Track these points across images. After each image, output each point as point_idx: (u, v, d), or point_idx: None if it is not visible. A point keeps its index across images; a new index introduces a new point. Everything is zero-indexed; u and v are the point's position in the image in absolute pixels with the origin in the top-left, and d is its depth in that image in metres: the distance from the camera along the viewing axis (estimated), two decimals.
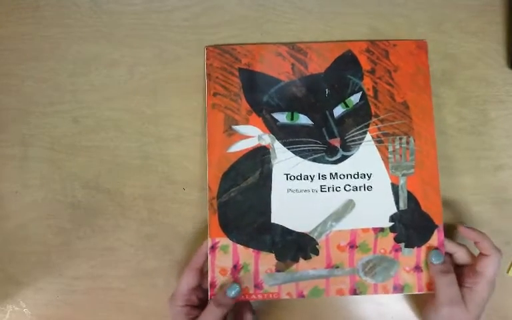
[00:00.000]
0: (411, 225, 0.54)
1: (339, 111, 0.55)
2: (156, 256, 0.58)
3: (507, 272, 0.58)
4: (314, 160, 0.55)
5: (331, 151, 0.55)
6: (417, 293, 0.54)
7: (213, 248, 0.54)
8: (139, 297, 0.58)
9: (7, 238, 0.58)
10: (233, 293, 0.51)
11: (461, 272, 0.53)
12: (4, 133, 0.58)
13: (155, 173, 0.58)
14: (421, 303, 0.59)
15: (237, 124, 0.55)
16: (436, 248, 0.54)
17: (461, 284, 0.52)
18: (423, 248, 0.54)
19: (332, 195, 0.54)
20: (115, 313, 0.58)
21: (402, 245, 0.54)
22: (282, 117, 0.55)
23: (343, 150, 0.55)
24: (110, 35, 0.58)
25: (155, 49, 0.58)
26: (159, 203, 0.58)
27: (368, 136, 0.55)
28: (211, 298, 0.53)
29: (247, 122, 0.55)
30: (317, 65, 0.56)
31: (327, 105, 0.55)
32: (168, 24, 0.58)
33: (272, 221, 0.54)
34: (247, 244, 0.54)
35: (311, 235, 0.54)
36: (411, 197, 0.55)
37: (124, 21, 0.58)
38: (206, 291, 0.54)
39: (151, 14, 0.58)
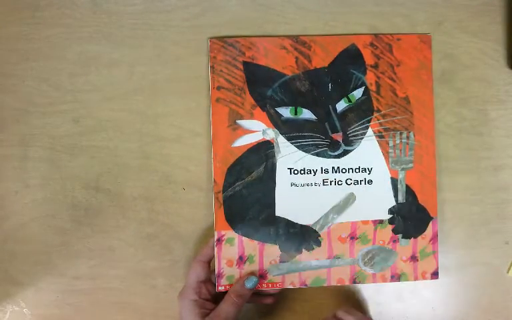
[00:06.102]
0: (409, 217, 0.55)
1: (341, 105, 0.54)
2: (156, 256, 0.57)
3: (507, 272, 0.57)
4: (317, 154, 0.54)
5: (334, 145, 0.54)
6: (412, 281, 0.55)
7: (219, 241, 0.54)
8: (139, 297, 0.57)
9: (7, 238, 0.57)
10: (251, 284, 0.52)
11: None
12: (4, 133, 0.56)
13: (154, 173, 0.56)
14: (421, 303, 0.58)
15: (241, 118, 0.54)
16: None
17: None
18: (419, 239, 0.55)
19: (334, 189, 0.55)
20: (115, 313, 0.57)
21: (399, 236, 0.55)
22: (286, 112, 0.54)
23: (345, 144, 0.54)
24: (110, 35, 0.56)
25: (155, 49, 0.56)
26: (158, 203, 0.56)
27: (369, 131, 0.55)
28: (218, 288, 0.53)
29: (251, 116, 0.54)
30: (321, 59, 0.55)
31: (330, 99, 0.54)
32: (168, 24, 0.56)
33: (276, 214, 0.54)
34: (251, 236, 0.54)
35: (314, 227, 0.55)
36: (409, 191, 0.55)
37: (124, 21, 0.56)
38: (215, 285, 0.54)
39: (151, 14, 0.56)
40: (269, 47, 0.55)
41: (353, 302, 0.57)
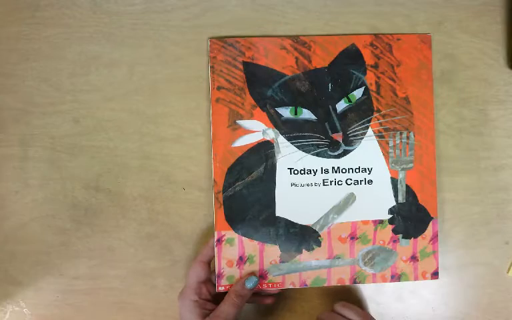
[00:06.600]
0: (409, 217, 0.55)
1: (341, 105, 0.54)
2: (156, 256, 0.56)
3: (507, 272, 0.57)
4: (317, 154, 0.54)
5: (334, 145, 0.54)
6: (413, 281, 0.55)
7: (219, 241, 0.53)
8: (139, 296, 0.57)
9: (7, 238, 0.56)
10: (251, 284, 0.52)
11: None
12: (4, 133, 0.56)
13: (155, 173, 0.56)
14: (421, 303, 0.57)
15: (241, 118, 0.54)
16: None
17: None
18: (419, 239, 0.55)
19: (334, 189, 0.54)
20: (115, 313, 0.57)
21: (400, 236, 0.55)
22: (286, 112, 0.54)
23: (345, 144, 0.54)
24: (110, 35, 0.56)
25: (155, 49, 0.56)
26: (159, 203, 0.56)
27: (369, 131, 0.55)
28: (218, 288, 0.53)
29: (251, 117, 0.54)
30: (321, 59, 0.54)
31: (330, 99, 0.54)
32: (168, 24, 0.56)
33: (276, 215, 0.54)
34: (251, 237, 0.54)
35: (314, 228, 0.54)
36: (409, 191, 0.55)
37: (124, 21, 0.56)
38: (215, 285, 0.54)
39: (151, 14, 0.56)
40: (269, 46, 0.54)
41: (353, 302, 0.57)
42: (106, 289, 0.56)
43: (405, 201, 0.55)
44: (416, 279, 0.55)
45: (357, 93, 0.54)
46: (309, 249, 0.54)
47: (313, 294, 0.57)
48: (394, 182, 0.55)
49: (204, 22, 0.56)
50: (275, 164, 0.54)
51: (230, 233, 0.54)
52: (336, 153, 0.54)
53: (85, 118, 0.56)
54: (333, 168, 0.54)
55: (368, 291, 0.57)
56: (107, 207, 0.56)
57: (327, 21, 0.56)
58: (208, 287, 0.52)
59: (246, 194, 0.54)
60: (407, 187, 0.55)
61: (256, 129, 0.54)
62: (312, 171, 0.54)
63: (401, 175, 0.55)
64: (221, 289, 0.53)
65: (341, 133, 0.54)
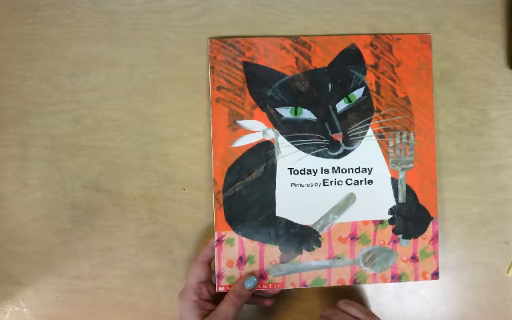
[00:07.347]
0: (409, 217, 0.55)
1: (341, 105, 0.54)
2: (156, 256, 0.56)
3: (507, 272, 0.57)
4: (317, 154, 0.54)
5: (334, 145, 0.54)
6: (413, 281, 0.55)
7: (219, 241, 0.53)
8: (139, 297, 0.57)
9: (7, 238, 0.56)
10: (251, 284, 0.51)
11: None
12: (4, 133, 0.56)
13: (154, 173, 0.56)
14: (421, 303, 0.57)
15: (241, 118, 0.54)
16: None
17: None
18: (419, 239, 0.55)
19: (334, 189, 0.54)
20: (115, 313, 0.57)
21: (400, 236, 0.55)
22: (286, 112, 0.54)
23: (345, 144, 0.54)
24: (110, 35, 0.56)
25: (155, 49, 0.56)
26: (159, 203, 0.56)
27: (369, 131, 0.54)
28: (218, 289, 0.53)
29: (251, 117, 0.54)
30: (321, 59, 0.54)
31: (330, 99, 0.54)
32: (168, 24, 0.56)
33: (276, 215, 0.54)
34: (252, 237, 0.54)
35: (314, 228, 0.54)
36: (409, 191, 0.55)
37: (124, 21, 0.56)
38: (215, 285, 0.53)
39: (151, 14, 0.56)
40: (268, 46, 0.54)
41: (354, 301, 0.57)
42: (106, 289, 0.56)
43: (405, 201, 0.55)
44: (416, 279, 0.55)
45: (357, 93, 0.54)
46: (309, 249, 0.54)
47: (313, 294, 0.57)
48: (394, 182, 0.55)
49: (204, 22, 0.56)
50: (275, 164, 0.54)
51: (230, 233, 0.53)
52: (336, 153, 0.54)
53: (84, 118, 0.56)
54: (333, 168, 0.54)
55: (368, 291, 0.57)
56: (107, 207, 0.56)
57: (327, 21, 0.56)
58: (208, 287, 0.52)
59: (246, 194, 0.54)
60: (407, 187, 0.55)
61: (256, 129, 0.54)
62: (312, 171, 0.54)
63: (401, 175, 0.55)
64: (221, 289, 0.53)
65: (341, 133, 0.54)
